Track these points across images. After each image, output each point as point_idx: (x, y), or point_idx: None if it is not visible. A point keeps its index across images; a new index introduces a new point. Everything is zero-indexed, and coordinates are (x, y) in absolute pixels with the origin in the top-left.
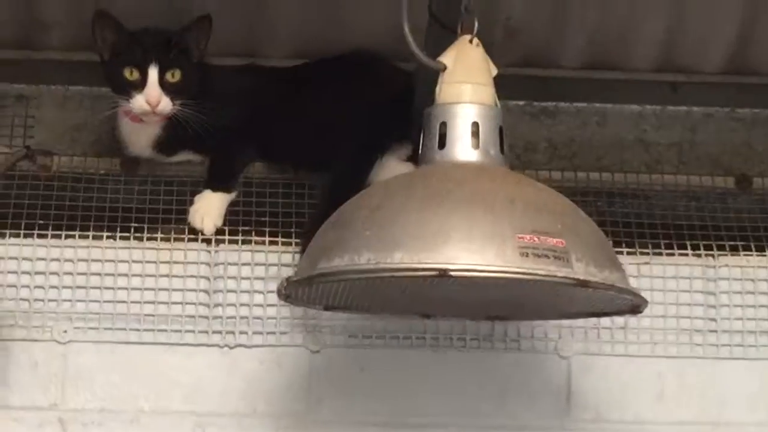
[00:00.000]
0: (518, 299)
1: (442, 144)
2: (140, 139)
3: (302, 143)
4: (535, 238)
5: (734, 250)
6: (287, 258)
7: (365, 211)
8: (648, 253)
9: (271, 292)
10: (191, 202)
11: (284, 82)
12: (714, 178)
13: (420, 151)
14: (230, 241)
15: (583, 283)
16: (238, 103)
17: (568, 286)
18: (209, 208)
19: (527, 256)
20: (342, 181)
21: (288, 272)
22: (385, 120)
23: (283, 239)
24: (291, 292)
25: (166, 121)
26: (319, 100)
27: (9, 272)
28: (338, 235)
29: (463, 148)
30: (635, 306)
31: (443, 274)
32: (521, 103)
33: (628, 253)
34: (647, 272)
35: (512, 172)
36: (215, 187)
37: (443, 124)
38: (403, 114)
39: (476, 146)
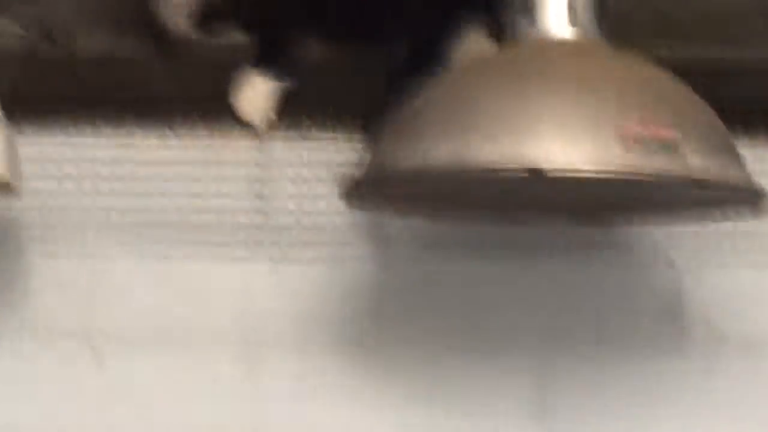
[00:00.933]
0: (622, 198)
1: (530, 18)
2: (176, 11)
3: (361, 9)
4: (643, 128)
5: None
6: (353, 156)
7: (442, 98)
8: None
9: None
10: (236, 89)
11: None
12: None
13: (503, 27)
14: (285, 137)
15: (700, 182)
16: None
17: (682, 185)
18: (256, 96)
19: (633, 149)
20: (413, 59)
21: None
22: None
23: (348, 133)
24: (357, 193)
25: None
26: None
27: (29, 175)
28: (411, 127)
29: (556, 23)
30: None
31: (534, 172)
32: None
33: (748, 146)
34: None
35: (614, 50)
36: (263, 70)
37: None
38: None
39: (572, 20)
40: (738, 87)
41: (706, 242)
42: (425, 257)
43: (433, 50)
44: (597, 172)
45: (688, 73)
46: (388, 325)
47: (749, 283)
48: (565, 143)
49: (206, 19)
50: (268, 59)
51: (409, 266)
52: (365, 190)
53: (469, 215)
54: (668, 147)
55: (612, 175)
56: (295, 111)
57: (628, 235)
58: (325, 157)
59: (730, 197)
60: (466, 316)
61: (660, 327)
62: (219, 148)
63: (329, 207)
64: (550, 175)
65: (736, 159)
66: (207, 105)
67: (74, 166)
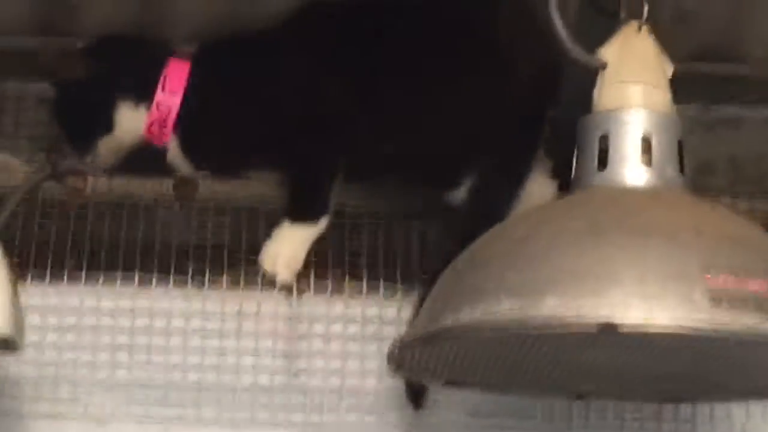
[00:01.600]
0: (698, 368)
1: (603, 163)
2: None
3: (411, 151)
4: (731, 280)
5: None
6: (391, 312)
7: (505, 245)
8: None
9: (371, 355)
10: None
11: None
12: None
13: (573, 172)
14: (317, 289)
15: None
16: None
17: None
18: (286, 247)
19: (721, 304)
20: (482, 206)
21: (392, 330)
22: (541, 110)
23: (385, 286)
24: (404, 356)
25: None
26: (435, 75)
27: (31, 327)
28: (469, 278)
29: (631, 168)
30: None
31: (609, 327)
32: (693, 108)
33: None
34: None
35: (696, 198)
36: (295, 217)
37: (604, 138)
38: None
39: (648, 165)
40: None
41: None
42: (474, 426)
43: (506, 193)
44: (682, 328)
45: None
46: None
47: None
48: (645, 297)
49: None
50: (299, 202)
51: None
52: (413, 350)
53: (525, 388)
54: (760, 302)
55: (698, 333)
56: (329, 262)
57: (701, 409)
58: (360, 314)
59: None
60: None
61: None
62: (243, 300)
63: (365, 367)
64: (623, 330)
65: None
66: (230, 253)
67: (79, 316)
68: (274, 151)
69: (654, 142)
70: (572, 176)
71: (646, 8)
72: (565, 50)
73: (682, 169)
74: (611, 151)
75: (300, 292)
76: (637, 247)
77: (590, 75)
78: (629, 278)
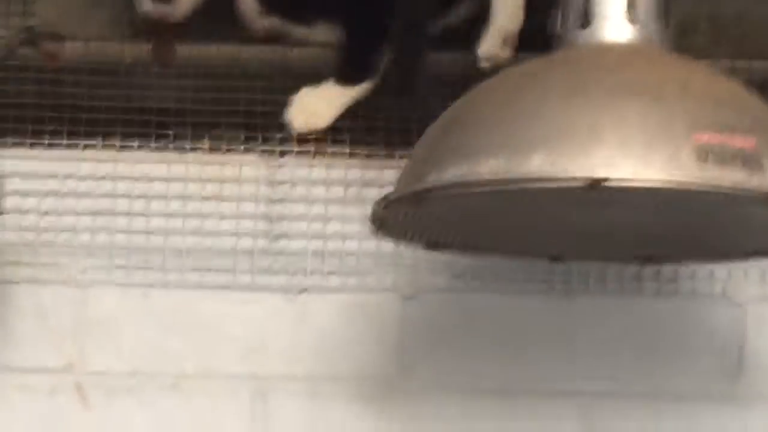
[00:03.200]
0: (681, 229)
1: (586, 20)
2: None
3: None
4: (717, 137)
5: None
6: (372, 174)
7: (489, 106)
8: None
9: (352, 218)
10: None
11: None
12: None
13: (555, 31)
14: (298, 153)
15: None
16: None
17: (761, 203)
18: (316, 103)
19: (707, 160)
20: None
21: (373, 193)
22: None
23: (367, 150)
24: (388, 216)
25: None
26: None
27: (11, 193)
28: (452, 139)
29: (615, 25)
30: None
31: (595, 184)
32: None
33: None
34: None
35: (680, 56)
36: (339, 77)
37: None
38: None
39: (632, 20)
40: None
41: None
42: (456, 288)
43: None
44: (667, 183)
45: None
46: (415, 364)
47: None
48: (630, 154)
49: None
50: (353, 67)
51: (439, 297)
52: (399, 209)
53: (507, 249)
54: (746, 158)
55: (685, 188)
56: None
57: (683, 268)
58: (343, 176)
59: None
60: (501, 355)
61: (716, 368)
62: (223, 165)
63: (346, 230)
64: (611, 185)
65: None
66: (211, 117)
67: (58, 182)
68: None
69: None
70: (554, 34)
71: None
72: None
73: (666, 26)
74: (594, 7)
75: (281, 155)
76: (623, 105)
77: None
78: (614, 136)
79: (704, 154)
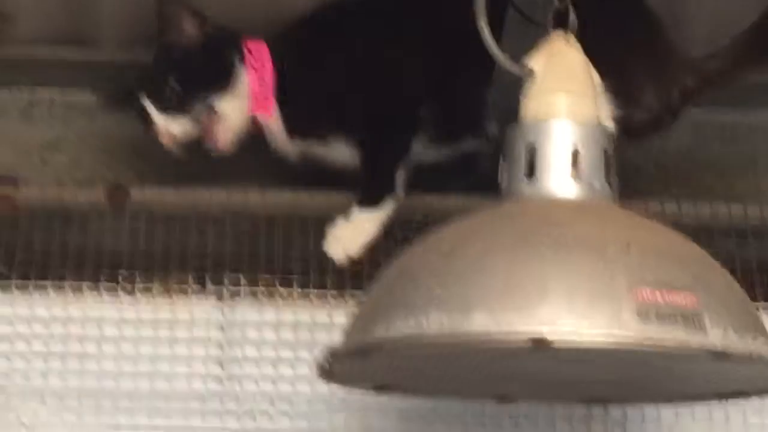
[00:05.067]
0: (628, 376)
1: (530, 173)
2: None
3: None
4: (659, 295)
5: None
6: (323, 317)
7: (434, 259)
8: None
9: (303, 360)
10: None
11: None
12: None
13: (501, 181)
14: (248, 294)
15: (723, 356)
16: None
17: (703, 359)
18: (349, 231)
19: (649, 318)
20: None
21: (324, 336)
22: None
23: (316, 291)
24: (335, 368)
25: None
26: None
27: None
28: (400, 292)
29: (559, 180)
30: None
31: (539, 344)
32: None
33: (765, 310)
34: None
35: (624, 210)
36: (362, 202)
37: (532, 148)
38: None
39: (576, 176)
40: (751, 247)
41: (715, 417)
42: (407, 430)
43: None
44: (610, 343)
45: (695, 231)
46: None
47: None
48: (573, 311)
49: None
50: (374, 190)
51: None
52: (346, 362)
53: (455, 391)
54: (687, 316)
55: (627, 347)
56: (261, 267)
57: (631, 409)
58: (293, 319)
59: (756, 373)
60: None
61: None
62: (176, 308)
63: (297, 373)
64: (555, 346)
65: (760, 328)
66: (163, 260)
67: (12, 324)
68: (351, 123)
69: (581, 154)
70: (500, 185)
71: (573, 18)
72: (493, 58)
73: (609, 181)
74: (539, 162)
75: (232, 297)
76: (566, 262)
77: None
78: (558, 293)
79: (646, 312)
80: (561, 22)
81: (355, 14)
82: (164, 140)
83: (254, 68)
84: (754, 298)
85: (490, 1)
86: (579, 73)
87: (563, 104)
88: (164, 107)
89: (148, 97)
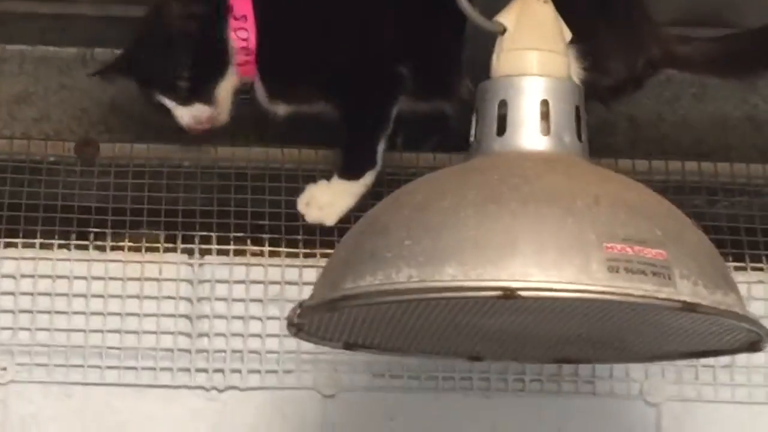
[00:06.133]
0: (598, 332)
1: (501, 129)
2: None
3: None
4: (628, 249)
5: None
6: (293, 274)
7: (404, 213)
8: (762, 269)
9: (273, 318)
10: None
11: None
12: None
13: (473, 137)
14: (219, 252)
15: (692, 307)
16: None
17: (671, 311)
18: (324, 195)
19: (618, 271)
20: None
21: (293, 292)
22: None
23: (288, 249)
24: (304, 321)
25: None
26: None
27: None
28: (369, 245)
29: (529, 134)
30: (754, 341)
31: (509, 294)
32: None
33: (736, 269)
34: (761, 293)
35: (594, 165)
36: (341, 173)
37: (503, 104)
38: None
39: (546, 131)
40: (720, 205)
41: (684, 375)
42: (376, 387)
43: None
44: (579, 292)
45: (665, 189)
46: None
47: (729, 421)
48: (543, 264)
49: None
50: (355, 160)
51: (360, 396)
52: (315, 315)
53: (426, 350)
54: (656, 268)
55: (596, 296)
56: (231, 224)
57: (600, 366)
58: (263, 276)
59: (724, 329)
60: None
61: None
62: (145, 264)
63: (267, 330)
64: (524, 295)
65: (730, 283)
66: (133, 216)
67: None
68: (331, 89)
69: (552, 109)
70: (472, 141)
71: None
72: (464, 14)
73: (579, 135)
74: (510, 118)
75: (202, 254)
76: (535, 215)
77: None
78: (528, 247)
79: (615, 265)
80: None
81: None
82: (191, 128)
83: (239, 29)
84: (724, 255)
85: None
86: (550, 29)
87: (534, 60)
88: (180, 99)
89: (162, 93)
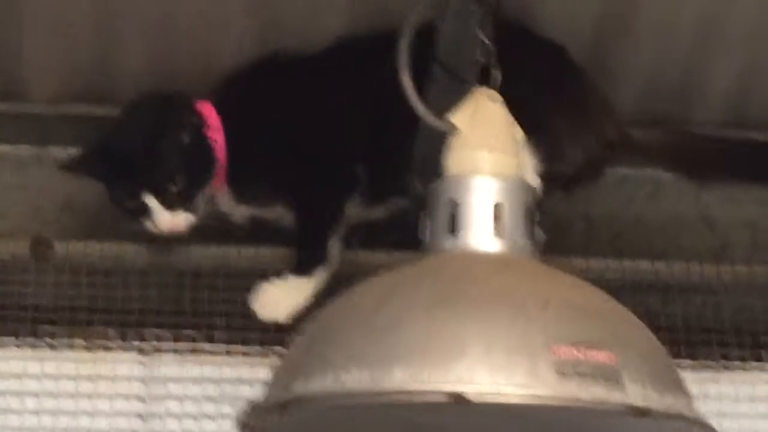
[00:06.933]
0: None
1: (453, 229)
2: None
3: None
4: (578, 352)
5: None
6: (246, 372)
7: (355, 314)
8: (715, 367)
9: (226, 416)
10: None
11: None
12: None
13: (425, 237)
14: (173, 350)
15: (642, 412)
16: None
17: (621, 415)
18: (277, 294)
19: (567, 375)
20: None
21: (247, 391)
22: None
23: (243, 348)
24: (256, 422)
25: None
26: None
27: None
28: (320, 347)
29: (480, 235)
30: None
31: (457, 399)
32: None
33: (690, 367)
34: (714, 392)
35: (545, 266)
36: (293, 269)
37: (454, 204)
38: None
39: (498, 232)
40: (674, 304)
41: None
42: None
43: None
44: (528, 399)
45: (619, 287)
46: None
47: None
48: (491, 367)
49: None
50: (305, 257)
51: None
52: (267, 416)
53: None
54: (605, 372)
55: (544, 401)
56: (185, 322)
57: None
58: (218, 374)
59: (673, 429)
60: None
61: None
62: (98, 362)
63: (222, 429)
64: (474, 401)
65: (680, 386)
66: (87, 314)
67: None
68: (290, 189)
69: (504, 210)
70: (424, 240)
71: (498, 76)
72: (417, 114)
73: (532, 236)
74: (461, 218)
75: (155, 352)
76: (485, 318)
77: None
78: (476, 349)
79: (564, 369)
80: (485, 79)
81: (288, 75)
82: (167, 232)
83: (214, 140)
84: (678, 355)
85: (414, 57)
86: (502, 129)
87: (486, 160)
88: (167, 204)
89: (152, 194)
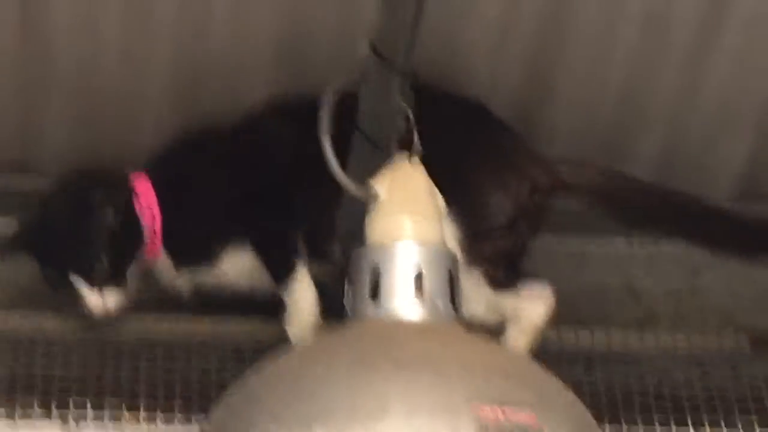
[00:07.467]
0: None
1: (375, 295)
2: None
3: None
4: (499, 412)
5: (748, 427)
6: None
7: (279, 379)
8: None
9: None
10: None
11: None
12: (721, 337)
13: (347, 303)
14: (95, 417)
15: None
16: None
17: None
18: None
19: None
20: None
21: None
22: None
23: (163, 414)
24: None
25: None
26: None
27: None
28: (246, 412)
29: (402, 301)
30: None
31: None
32: None
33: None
34: None
35: (467, 332)
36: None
37: (376, 271)
38: None
39: (419, 298)
40: (598, 371)
41: None
42: None
43: None
44: None
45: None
46: None
47: None
48: (414, 428)
49: None
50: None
51: None
52: None
53: None
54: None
55: None
56: (107, 389)
57: None
58: None
59: None
60: None
61: None
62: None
63: None
64: None
65: None
66: (7, 384)
67: None
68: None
69: (425, 276)
70: (347, 307)
71: (417, 141)
72: (338, 181)
73: (454, 302)
74: (383, 285)
75: (77, 420)
76: (407, 379)
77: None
78: (398, 409)
79: (486, 429)
80: (405, 146)
81: (224, 141)
82: (96, 312)
83: (144, 213)
84: (600, 419)
85: (335, 124)
86: (423, 195)
87: (407, 227)
88: (95, 283)
89: (78, 274)
